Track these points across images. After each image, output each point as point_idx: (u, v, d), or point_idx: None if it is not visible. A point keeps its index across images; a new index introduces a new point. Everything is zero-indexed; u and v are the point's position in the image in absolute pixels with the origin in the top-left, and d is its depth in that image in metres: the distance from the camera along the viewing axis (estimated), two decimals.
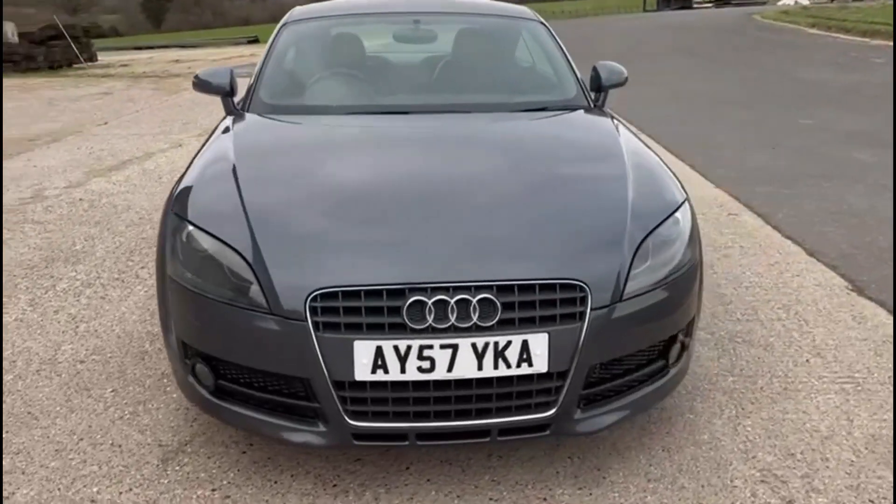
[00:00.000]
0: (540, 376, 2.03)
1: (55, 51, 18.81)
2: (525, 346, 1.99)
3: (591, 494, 2.16)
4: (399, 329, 1.96)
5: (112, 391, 2.75)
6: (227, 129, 2.90)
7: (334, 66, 3.35)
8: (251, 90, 3.20)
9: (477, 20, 3.66)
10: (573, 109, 3.14)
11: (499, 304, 1.98)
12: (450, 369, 1.97)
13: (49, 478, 2.26)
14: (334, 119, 3.05)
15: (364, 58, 3.45)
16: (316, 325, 1.97)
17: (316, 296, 1.98)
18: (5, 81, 14.94)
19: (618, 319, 2.08)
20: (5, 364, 2.98)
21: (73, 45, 19.29)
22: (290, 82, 3.29)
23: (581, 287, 2.03)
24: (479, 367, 1.98)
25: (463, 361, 1.97)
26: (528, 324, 2.00)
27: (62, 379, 2.85)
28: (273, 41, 3.43)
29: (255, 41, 31.22)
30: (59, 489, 2.21)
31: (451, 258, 2.06)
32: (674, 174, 2.70)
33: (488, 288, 1.99)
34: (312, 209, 2.29)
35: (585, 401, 2.15)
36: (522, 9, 3.74)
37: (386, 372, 1.97)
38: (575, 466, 2.29)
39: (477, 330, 1.97)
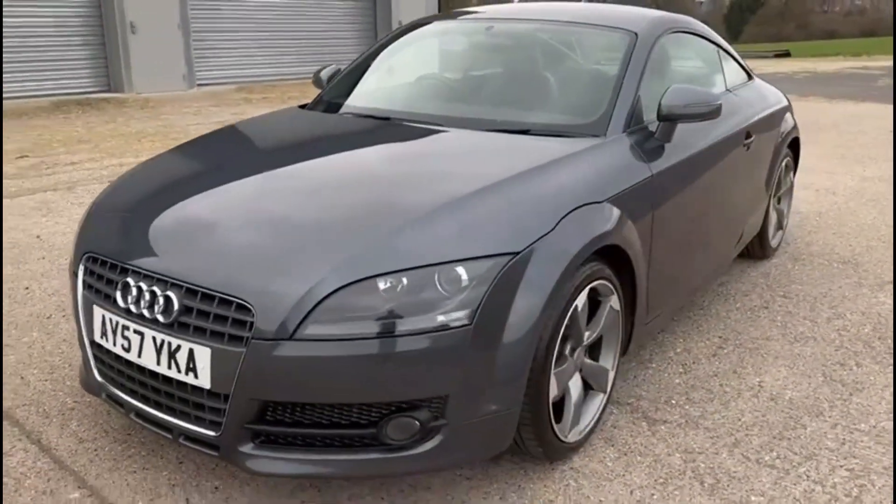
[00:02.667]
0: (209, 392, 1.95)
1: None
2: (191, 354, 1.94)
3: None
4: (115, 304, 2.10)
5: None
6: None
7: (394, 71, 3.34)
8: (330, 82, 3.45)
9: (560, 30, 3.15)
10: (573, 136, 2.58)
11: (176, 304, 1.96)
12: (139, 355, 2.04)
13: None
14: (318, 119, 3.13)
15: (423, 64, 3.33)
16: (84, 283, 2.24)
17: (89, 257, 2.24)
18: None
19: (287, 359, 1.85)
20: None
21: None
22: (357, 80, 3.38)
23: (253, 311, 1.87)
24: (158, 362, 2.00)
25: (147, 351, 2.02)
26: (199, 333, 1.93)
27: None
28: (381, 39, 3.56)
29: (785, 55, 29.18)
30: None
31: (173, 251, 2.09)
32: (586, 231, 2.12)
33: (177, 287, 1.98)
34: (153, 189, 2.49)
35: (263, 437, 1.95)
36: (631, 17, 3.09)
37: (107, 340, 2.13)
38: None
39: (157, 325, 1.99)
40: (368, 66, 3.41)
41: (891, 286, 3.84)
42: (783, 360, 3.02)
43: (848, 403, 2.70)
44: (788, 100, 4.36)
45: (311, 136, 2.97)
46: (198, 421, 2.00)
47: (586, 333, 2.32)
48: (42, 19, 11.62)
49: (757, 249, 4.12)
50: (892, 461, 2.36)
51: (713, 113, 2.68)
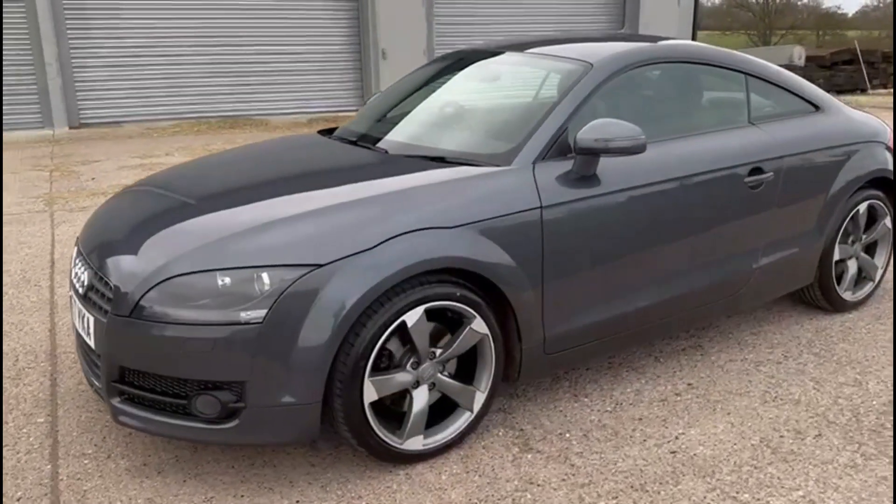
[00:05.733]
0: (96, 353, 2.47)
1: (840, 75, 18.72)
2: (88, 321, 2.48)
3: None
4: (74, 277, 2.73)
5: None
6: None
7: (388, 103, 3.58)
8: None
9: (527, 61, 3.17)
10: (480, 164, 2.67)
11: (87, 281, 2.52)
12: (76, 318, 2.64)
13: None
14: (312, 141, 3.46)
15: (410, 94, 3.52)
16: (73, 261, 2.91)
17: (76, 245, 2.90)
18: None
19: (124, 332, 2.30)
20: None
21: (864, 70, 18.81)
22: (368, 110, 3.70)
23: (112, 290, 2.36)
24: (80, 325, 2.58)
25: (76, 315, 2.61)
26: (92, 305, 2.47)
27: None
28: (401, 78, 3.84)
29: None
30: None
31: (96, 245, 2.63)
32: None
33: (90, 269, 2.55)
34: (117, 203, 2.99)
35: (126, 397, 2.41)
36: (600, 48, 3.02)
37: (74, 306, 2.77)
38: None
39: (78, 296, 2.57)
40: (381, 99, 3.73)
41: None
42: (734, 417, 2.78)
43: (757, 472, 2.44)
44: (886, 133, 3.79)
45: (269, 157, 3.33)
46: (95, 375, 2.54)
47: (438, 351, 2.46)
48: (315, 47, 13.61)
49: (821, 301, 3.68)
50: None
51: (633, 149, 2.60)
